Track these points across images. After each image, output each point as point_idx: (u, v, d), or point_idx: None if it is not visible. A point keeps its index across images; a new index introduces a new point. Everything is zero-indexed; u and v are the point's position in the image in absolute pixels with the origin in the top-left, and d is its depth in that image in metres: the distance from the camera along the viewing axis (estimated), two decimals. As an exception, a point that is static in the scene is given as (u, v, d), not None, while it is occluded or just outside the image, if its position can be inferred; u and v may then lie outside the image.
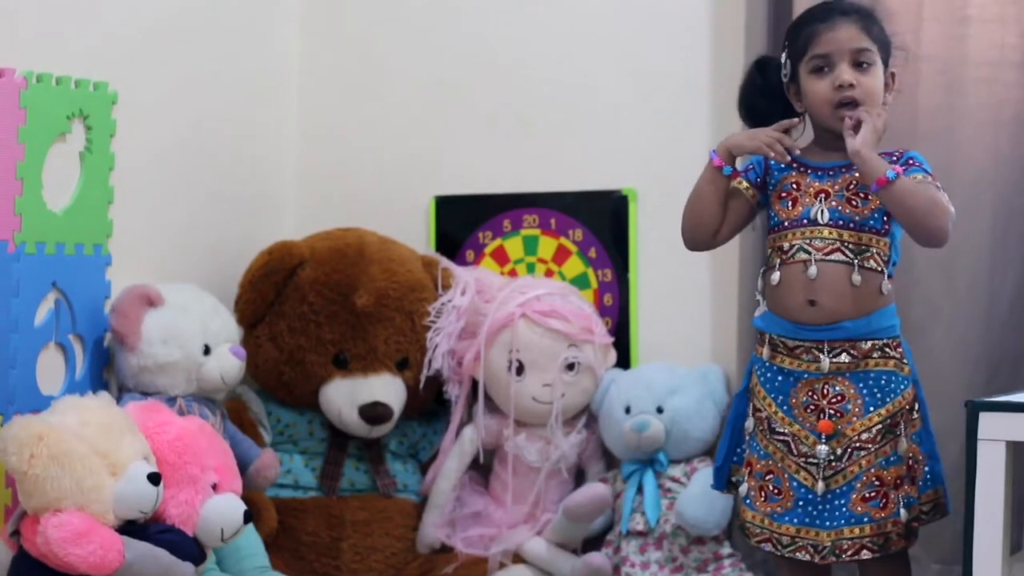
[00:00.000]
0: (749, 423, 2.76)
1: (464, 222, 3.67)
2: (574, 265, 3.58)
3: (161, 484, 2.77)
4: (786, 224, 2.72)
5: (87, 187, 3.10)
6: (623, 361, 3.50)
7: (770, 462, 2.72)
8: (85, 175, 3.10)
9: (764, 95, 2.78)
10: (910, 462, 2.68)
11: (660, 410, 3.34)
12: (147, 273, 3.23)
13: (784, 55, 2.76)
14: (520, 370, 3.40)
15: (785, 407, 2.70)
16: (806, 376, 2.69)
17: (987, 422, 2.56)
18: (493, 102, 3.68)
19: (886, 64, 2.72)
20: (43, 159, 2.99)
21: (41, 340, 3.00)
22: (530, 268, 3.61)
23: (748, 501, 2.74)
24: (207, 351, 3.17)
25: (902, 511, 2.66)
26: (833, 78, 2.66)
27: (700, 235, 2.80)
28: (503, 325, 3.40)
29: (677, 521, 3.28)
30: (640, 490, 3.33)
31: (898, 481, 2.66)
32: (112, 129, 3.15)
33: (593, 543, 3.39)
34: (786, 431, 2.70)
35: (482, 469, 3.51)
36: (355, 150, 3.79)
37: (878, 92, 2.69)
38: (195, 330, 3.15)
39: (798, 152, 2.72)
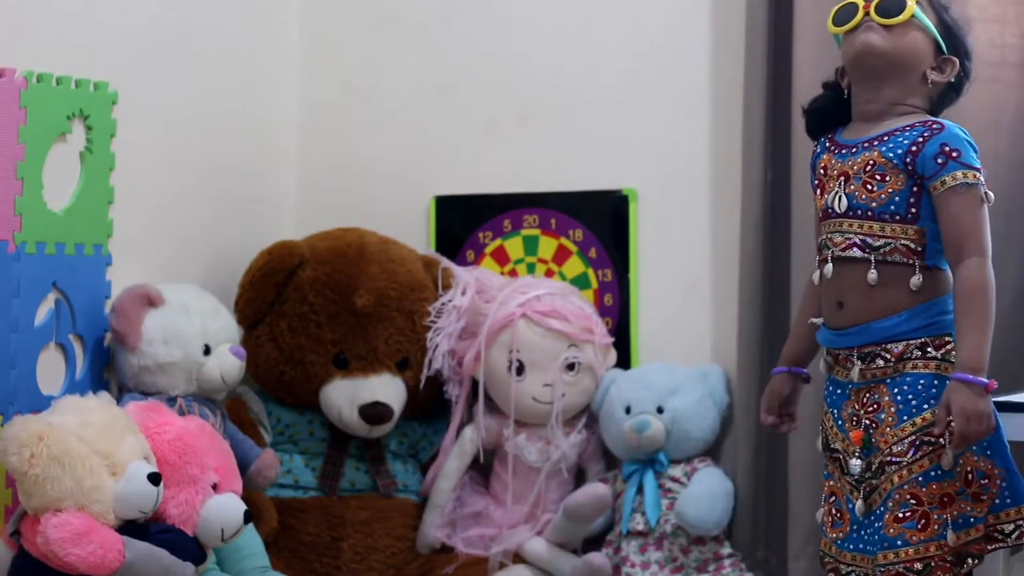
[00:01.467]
0: (819, 442, 2.59)
1: (464, 222, 3.67)
2: (574, 265, 3.58)
3: (161, 484, 2.77)
4: (820, 215, 2.57)
5: (87, 187, 3.10)
6: (623, 361, 3.50)
7: (831, 483, 2.55)
8: (85, 175, 3.10)
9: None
10: (969, 477, 2.42)
11: (660, 410, 3.34)
12: (147, 273, 3.23)
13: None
14: (520, 370, 3.40)
15: (839, 421, 2.53)
16: (851, 387, 2.51)
17: (987, 422, 2.56)
18: (493, 102, 3.68)
19: (935, 26, 2.54)
20: (43, 159, 2.98)
21: (41, 340, 3.00)
22: (530, 268, 3.61)
23: (823, 528, 2.56)
24: (207, 351, 3.17)
25: (949, 533, 2.39)
26: (856, 30, 2.50)
27: None
28: (503, 325, 3.40)
29: (677, 521, 3.28)
30: (640, 490, 3.33)
31: (945, 499, 2.40)
32: (112, 129, 3.15)
33: (593, 543, 3.39)
34: (839, 447, 2.53)
35: (482, 469, 3.51)
36: (355, 150, 3.79)
37: (904, 51, 2.50)
38: (195, 330, 3.15)
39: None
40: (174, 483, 2.82)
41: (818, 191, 2.57)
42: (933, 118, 2.52)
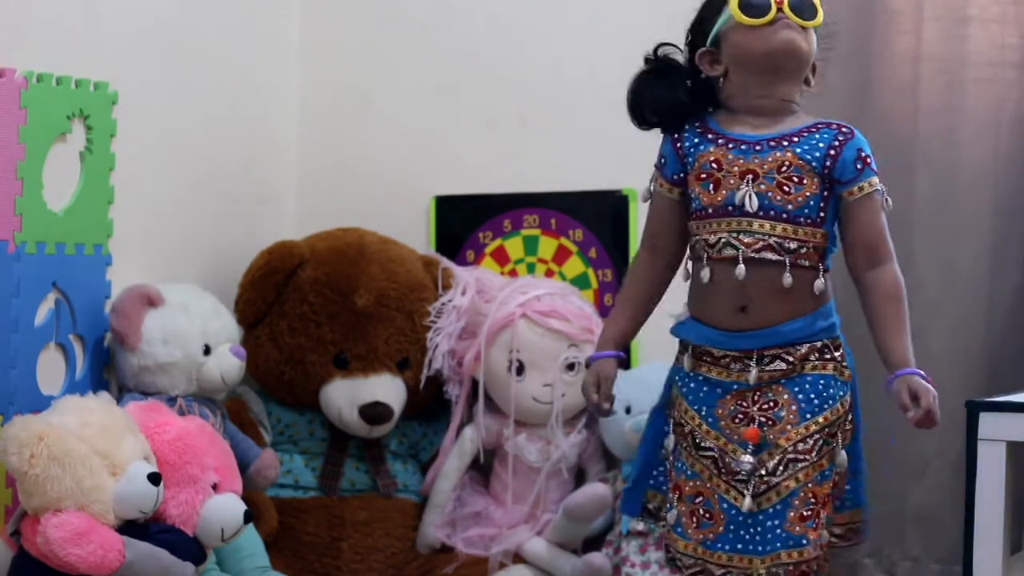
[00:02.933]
0: (669, 441, 2.53)
1: (464, 222, 3.67)
2: (574, 265, 3.58)
3: (161, 484, 2.77)
4: (710, 211, 2.47)
5: (87, 187, 3.10)
6: (623, 361, 3.50)
7: (698, 482, 2.48)
8: (85, 175, 3.10)
9: (671, 86, 2.55)
10: (837, 478, 2.46)
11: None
12: (147, 273, 3.23)
13: (694, 24, 2.56)
14: (520, 370, 3.40)
15: (710, 419, 2.48)
16: (736, 387, 2.47)
17: (987, 422, 2.57)
18: (493, 102, 3.68)
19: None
20: (43, 159, 2.98)
21: (41, 340, 3.00)
22: (530, 268, 3.61)
23: (679, 529, 2.49)
24: (207, 351, 3.17)
25: (824, 532, 2.44)
26: (770, 25, 2.44)
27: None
28: (503, 325, 3.40)
29: (677, 521, 3.28)
30: (640, 490, 3.33)
31: (826, 499, 2.44)
32: (112, 129, 3.15)
33: (593, 543, 3.39)
34: (712, 445, 2.47)
35: (482, 469, 3.51)
36: (355, 150, 3.79)
37: (811, 52, 2.48)
38: (195, 330, 3.15)
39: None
40: (174, 483, 2.82)
41: (710, 186, 2.48)
42: (835, 120, 2.52)
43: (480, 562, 3.33)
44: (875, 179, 2.49)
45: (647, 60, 2.60)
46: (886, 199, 2.51)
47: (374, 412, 3.36)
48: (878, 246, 2.50)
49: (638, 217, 3.53)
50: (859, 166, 2.48)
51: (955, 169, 3.24)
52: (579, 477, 3.49)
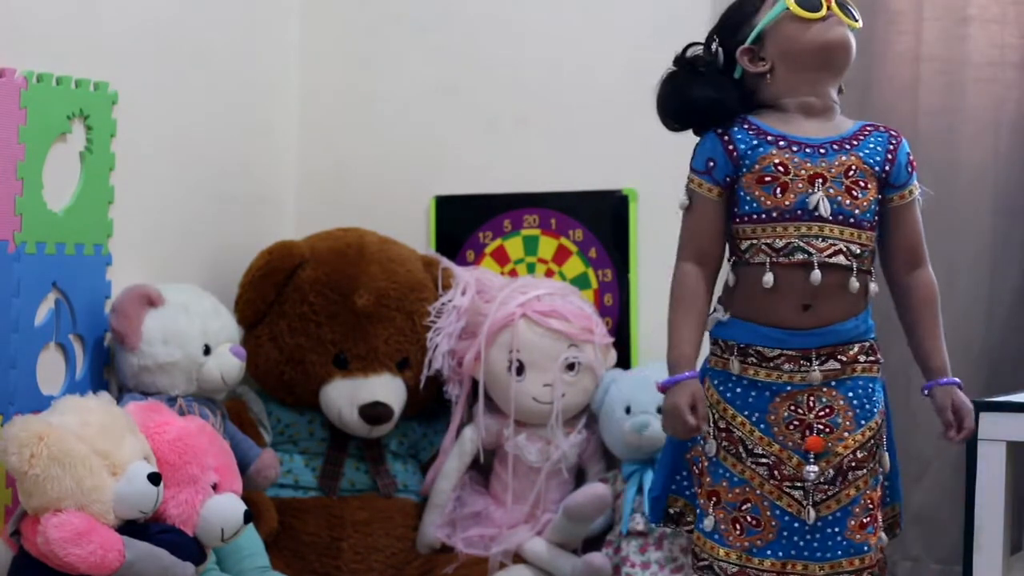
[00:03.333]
0: (711, 447, 2.46)
1: (464, 222, 3.67)
2: (574, 265, 3.58)
3: (161, 484, 2.77)
4: (775, 215, 2.42)
5: (87, 187, 3.10)
6: (623, 361, 3.50)
7: (747, 489, 2.43)
8: (85, 175, 3.10)
9: (712, 85, 2.51)
10: (883, 479, 2.49)
11: (660, 410, 3.33)
12: (147, 273, 3.23)
13: (726, 23, 2.55)
14: (520, 370, 3.40)
15: (763, 425, 2.43)
16: (788, 388, 2.43)
17: (987, 422, 2.57)
18: (493, 102, 3.68)
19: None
20: (43, 159, 2.98)
21: (41, 340, 3.00)
22: (530, 268, 3.61)
23: (717, 536, 2.45)
24: (207, 351, 3.17)
25: (883, 535, 2.46)
26: (826, 19, 2.45)
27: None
28: (503, 325, 3.40)
29: (677, 521, 3.28)
30: (640, 490, 3.33)
31: (880, 502, 2.46)
32: (112, 129, 3.15)
33: (593, 543, 3.39)
34: (767, 452, 2.42)
35: (482, 469, 3.51)
36: (355, 150, 3.79)
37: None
38: (195, 330, 3.15)
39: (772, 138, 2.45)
40: (174, 483, 2.82)
41: (776, 190, 2.42)
42: (879, 123, 2.53)
43: (480, 562, 3.33)
44: (918, 183, 2.51)
45: (678, 61, 2.57)
46: (919, 199, 2.52)
47: (374, 412, 3.36)
48: (919, 248, 2.52)
49: (638, 217, 3.53)
50: (909, 170, 2.50)
51: (955, 169, 3.24)
52: (579, 477, 3.49)
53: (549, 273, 3.59)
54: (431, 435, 3.55)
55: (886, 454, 2.47)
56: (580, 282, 3.56)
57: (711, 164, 2.48)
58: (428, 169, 3.72)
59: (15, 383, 2.91)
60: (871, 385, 2.46)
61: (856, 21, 2.50)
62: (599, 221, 3.56)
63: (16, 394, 2.91)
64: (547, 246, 3.60)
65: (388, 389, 3.39)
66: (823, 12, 2.46)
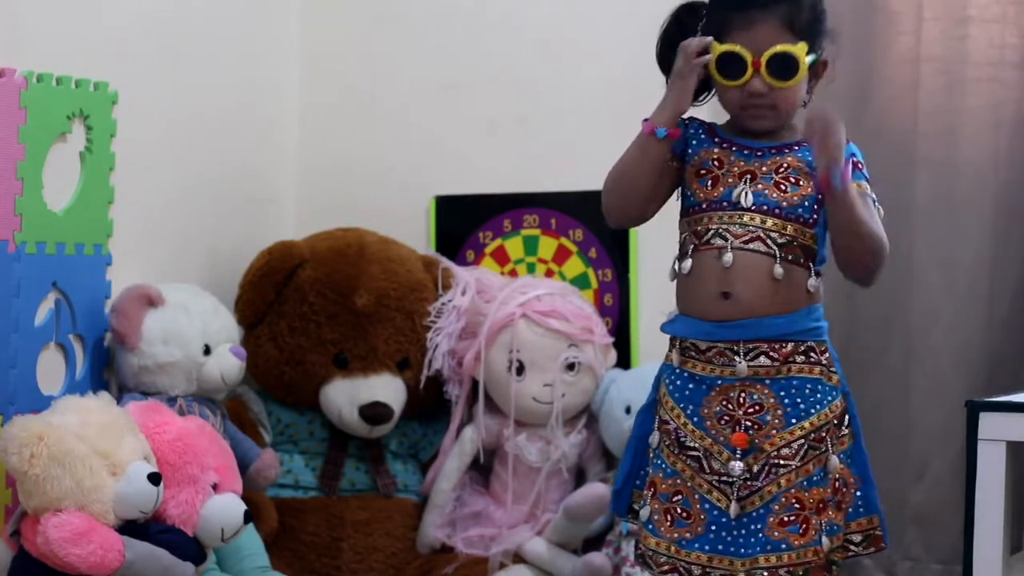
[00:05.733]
0: (654, 438, 2.48)
1: (464, 222, 3.67)
2: (574, 265, 3.58)
3: (161, 484, 2.77)
4: (704, 206, 2.45)
5: (87, 187, 3.10)
6: (623, 361, 3.50)
7: (678, 481, 2.43)
8: (85, 175, 3.10)
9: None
10: (836, 484, 2.41)
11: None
12: (147, 273, 3.23)
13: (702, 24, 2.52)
14: (520, 370, 3.40)
15: (696, 418, 2.43)
16: (720, 383, 2.42)
17: (987, 422, 2.56)
18: (493, 102, 3.68)
19: (815, 51, 2.44)
20: (43, 159, 2.98)
21: (41, 340, 3.00)
22: (530, 268, 3.61)
23: (651, 527, 2.45)
24: (207, 351, 3.17)
25: (824, 539, 2.38)
26: (745, 86, 2.41)
27: (632, 213, 2.57)
28: (503, 325, 3.40)
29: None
30: (640, 490, 3.33)
31: (821, 505, 2.39)
32: (112, 129, 3.15)
33: (593, 543, 3.39)
34: (697, 445, 2.42)
35: (482, 469, 3.51)
36: (355, 150, 3.79)
37: (797, 99, 2.45)
38: (195, 330, 3.15)
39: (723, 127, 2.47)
40: (174, 483, 2.82)
41: (708, 183, 2.45)
42: None
43: (480, 562, 3.33)
44: (867, 184, 2.45)
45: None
46: (877, 207, 2.46)
47: (374, 412, 3.36)
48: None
49: (638, 217, 3.53)
50: (850, 168, 2.44)
51: (955, 169, 3.24)
52: (579, 477, 3.49)
53: (549, 273, 3.59)
54: (431, 435, 3.55)
55: (834, 458, 2.40)
56: (580, 282, 3.56)
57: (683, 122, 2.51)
58: (428, 169, 3.72)
59: (15, 383, 2.91)
60: (810, 386, 2.42)
61: (788, 79, 2.41)
62: (599, 221, 3.52)
63: (16, 394, 2.91)
64: (547, 246, 3.60)
65: (388, 389, 3.40)
66: (743, 79, 2.42)
